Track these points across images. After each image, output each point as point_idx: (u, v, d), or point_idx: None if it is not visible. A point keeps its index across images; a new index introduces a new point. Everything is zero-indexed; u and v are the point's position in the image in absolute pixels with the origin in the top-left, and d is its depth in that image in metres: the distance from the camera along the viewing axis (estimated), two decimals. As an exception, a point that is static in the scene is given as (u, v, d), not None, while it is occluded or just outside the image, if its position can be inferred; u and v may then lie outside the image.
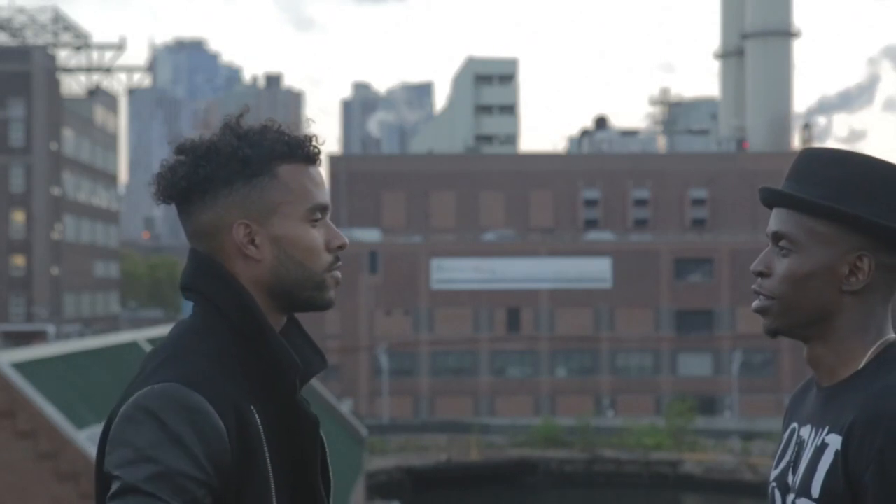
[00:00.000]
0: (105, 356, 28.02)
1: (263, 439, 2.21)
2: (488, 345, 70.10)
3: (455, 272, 70.27)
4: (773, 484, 2.37)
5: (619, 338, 70.24)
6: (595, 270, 70.76)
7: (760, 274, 2.36)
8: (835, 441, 2.23)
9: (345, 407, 47.67)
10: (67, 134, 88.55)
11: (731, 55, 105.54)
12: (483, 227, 75.17)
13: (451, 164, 78.04)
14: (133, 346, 29.72)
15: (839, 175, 2.30)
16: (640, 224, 76.68)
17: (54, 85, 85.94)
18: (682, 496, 58.50)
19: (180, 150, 2.29)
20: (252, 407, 2.22)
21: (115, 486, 2.11)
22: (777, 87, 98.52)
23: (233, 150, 2.28)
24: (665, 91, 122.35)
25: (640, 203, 76.92)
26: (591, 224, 76.80)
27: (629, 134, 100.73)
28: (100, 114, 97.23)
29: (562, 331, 70.33)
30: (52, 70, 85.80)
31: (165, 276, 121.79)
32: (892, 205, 2.28)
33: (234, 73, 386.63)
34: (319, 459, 2.33)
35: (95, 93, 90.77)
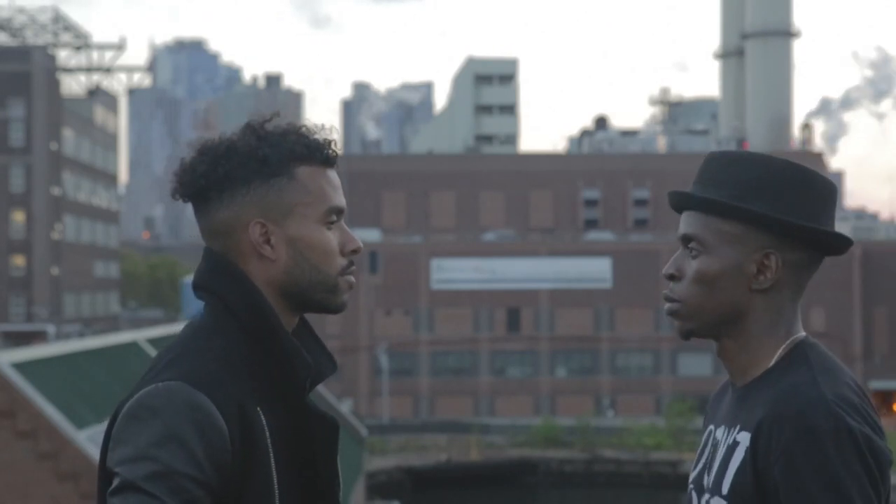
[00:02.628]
0: (105, 356, 28.00)
1: (269, 441, 2.21)
2: (488, 345, 70.11)
3: (455, 272, 70.27)
4: (692, 486, 2.40)
5: (619, 338, 70.25)
6: (595, 270, 70.77)
7: (671, 277, 2.39)
8: (745, 438, 2.26)
9: (345, 407, 47.69)
10: (67, 134, 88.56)
11: (731, 55, 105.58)
12: (483, 227, 75.21)
13: (451, 164, 78.07)
14: (133, 346, 29.70)
15: (743, 175, 2.34)
16: (640, 224, 76.72)
17: (54, 85, 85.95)
18: (681, 496, 58.46)
19: (200, 148, 2.30)
20: (259, 408, 2.22)
21: (115, 483, 2.12)
22: (777, 87, 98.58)
23: (251, 149, 2.29)
24: (665, 91, 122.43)
25: (640, 203, 76.95)
26: (591, 224, 76.83)
27: (629, 134, 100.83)
28: (100, 114, 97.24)
29: (562, 331, 70.33)
30: (52, 70, 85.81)
31: (165, 276, 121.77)
32: (794, 202, 2.32)
33: (234, 73, 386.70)
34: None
35: (95, 93, 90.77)
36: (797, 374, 2.27)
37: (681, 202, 2.41)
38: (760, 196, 2.32)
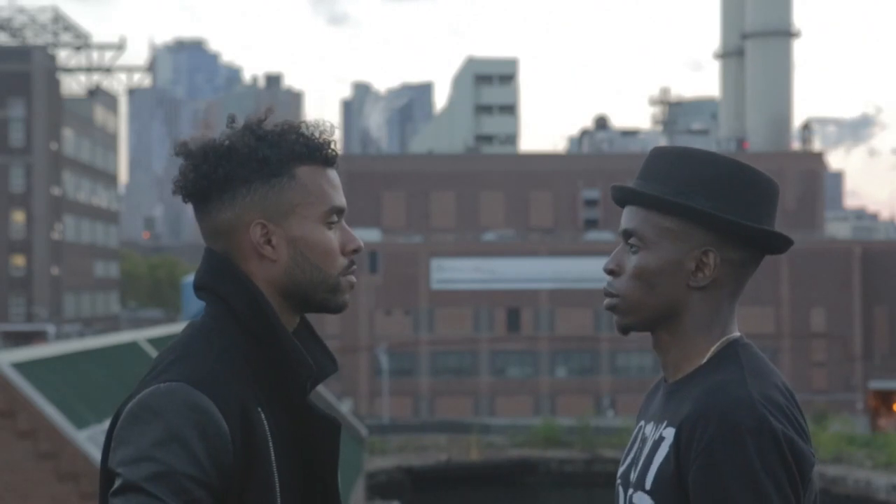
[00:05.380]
0: (105, 356, 27.97)
1: (270, 442, 2.21)
2: (488, 345, 70.11)
3: (455, 272, 70.28)
4: (619, 481, 2.41)
5: (619, 338, 70.23)
6: (595, 270, 70.74)
7: (611, 272, 2.41)
8: (670, 434, 2.27)
9: (345, 407, 47.69)
10: (67, 134, 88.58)
11: (731, 55, 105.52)
12: (483, 227, 75.20)
13: (451, 164, 78.07)
14: (133, 346, 29.68)
15: (685, 171, 2.34)
16: (640, 224, 76.73)
17: (54, 85, 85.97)
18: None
19: (201, 149, 2.30)
20: (260, 409, 2.22)
21: (116, 483, 2.12)
22: (777, 87, 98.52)
23: (251, 150, 2.29)
24: (665, 91, 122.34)
25: (640, 203, 76.95)
26: (591, 224, 76.82)
27: (629, 134, 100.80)
28: (100, 114, 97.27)
29: (562, 331, 70.34)
30: (52, 70, 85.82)
31: (165, 276, 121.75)
32: (735, 200, 2.32)
33: (234, 73, 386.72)
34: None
35: (95, 93, 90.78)
36: (726, 373, 2.27)
37: (622, 197, 2.41)
38: (702, 193, 2.32)
